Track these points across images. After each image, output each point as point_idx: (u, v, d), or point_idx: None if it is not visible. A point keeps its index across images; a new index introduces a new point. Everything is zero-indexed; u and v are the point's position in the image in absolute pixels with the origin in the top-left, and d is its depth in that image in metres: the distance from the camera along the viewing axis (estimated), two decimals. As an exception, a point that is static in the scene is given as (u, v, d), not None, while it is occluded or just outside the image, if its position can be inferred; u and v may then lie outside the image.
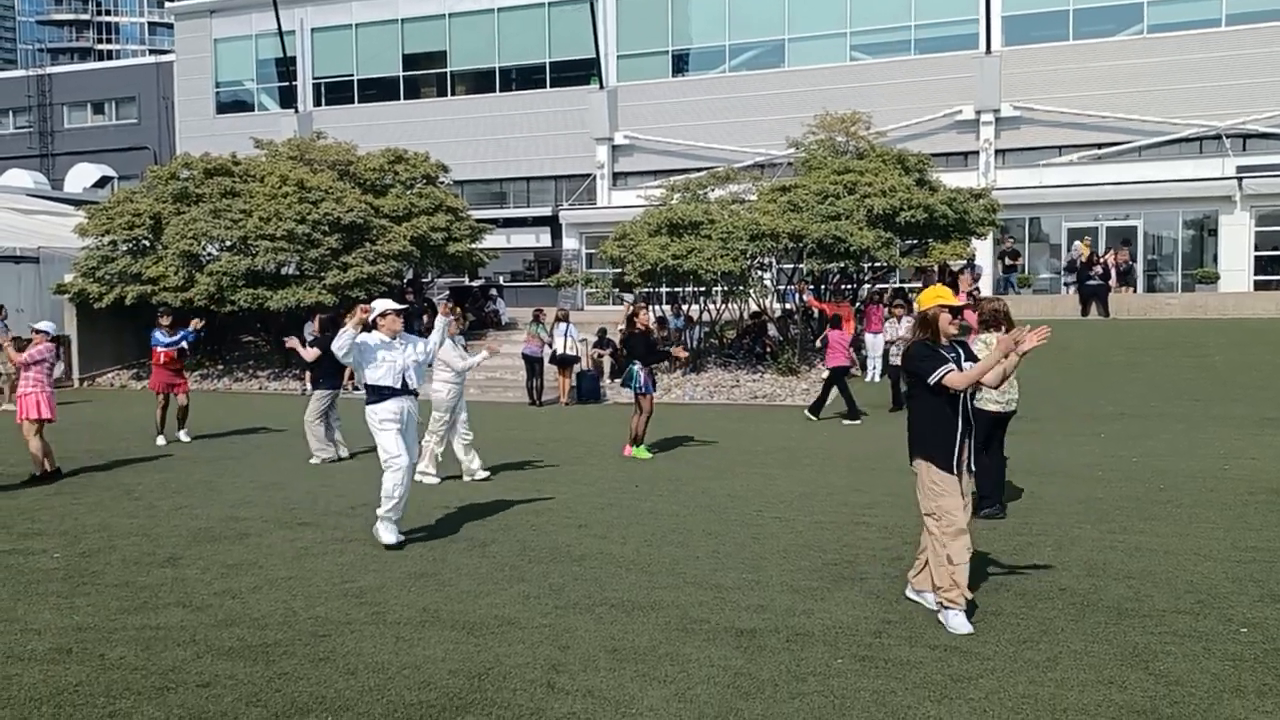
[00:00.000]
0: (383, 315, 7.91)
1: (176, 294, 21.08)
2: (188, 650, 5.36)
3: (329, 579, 6.74)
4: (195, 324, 14.40)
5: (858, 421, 15.78)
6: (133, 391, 23.07)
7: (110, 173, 40.87)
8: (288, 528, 8.38)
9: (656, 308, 23.10)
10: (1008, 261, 28.23)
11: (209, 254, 22.14)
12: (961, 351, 5.87)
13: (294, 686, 4.85)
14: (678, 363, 19.33)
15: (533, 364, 19.62)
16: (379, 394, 7.82)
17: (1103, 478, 10.60)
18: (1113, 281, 26.01)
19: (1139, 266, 28.77)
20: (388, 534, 7.65)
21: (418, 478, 10.07)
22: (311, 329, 21.22)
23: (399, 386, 7.84)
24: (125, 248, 22.74)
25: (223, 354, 22.85)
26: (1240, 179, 27.25)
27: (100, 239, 22.65)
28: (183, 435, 14.04)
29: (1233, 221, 27.64)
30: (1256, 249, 27.78)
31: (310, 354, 12.55)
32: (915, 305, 9.01)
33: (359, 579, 6.73)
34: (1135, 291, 27.28)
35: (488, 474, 10.76)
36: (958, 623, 5.60)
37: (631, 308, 14.74)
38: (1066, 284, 27.54)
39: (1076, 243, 27.27)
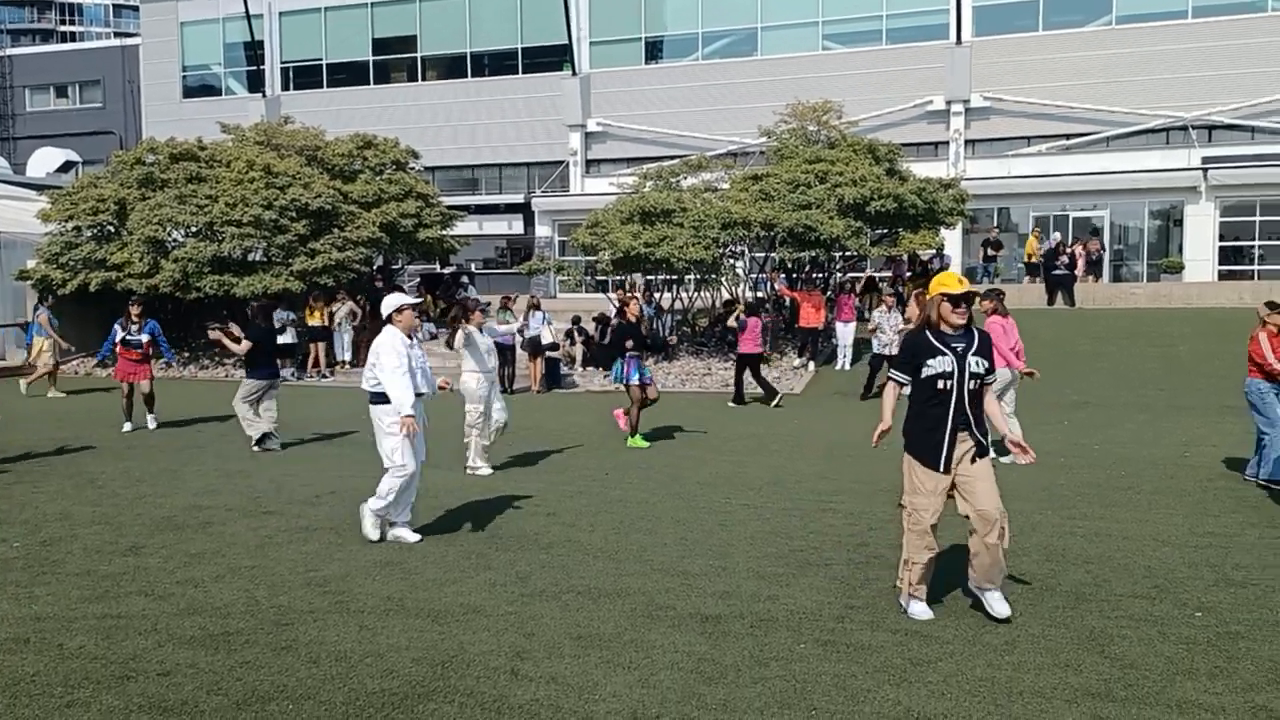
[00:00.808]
0: (399, 311, 7.40)
1: (141, 280, 20.83)
2: (148, 639, 5.32)
3: (293, 568, 6.70)
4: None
5: (777, 403, 16.47)
6: (97, 379, 22.79)
7: (74, 157, 40.25)
8: (251, 516, 8.32)
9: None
10: (989, 251, 28.41)
11: (174, 240, 21.87)
12: (975, 339, 5.53)
13: (255, 675, 4.83)
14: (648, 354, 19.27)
15: (504, 352, 19.54)
16: (388, 398, 7.25)
17: (1065, 464, 10.73)
18: (1079, 270, 26.28)
19: (1105, 256, 29.08)
20: (370, 527, 7.36)
21: (469, 471, 10.17)
22: (280, 317, 21.10)
23: (422, 389, 7.43)
24: (89, 234, 22.43)
25: (188, 341, 22.59)
26: (1205, 170, 27.59)
27: (64, 225, 22.33)
28: (150, 421, 13.91)
29: (1198, 212, 28.00)
30: (1221, 239, 28.16)
31: (242, 348, 12.21)
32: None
33: (323, 568, 6.70)
34: (1099, 281, 27.58)
35: (491, 471, 10.38)
36: (916, 610, 5.65)
37: (623, 296, 14.81)
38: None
39: (1055, 234, 27.51)
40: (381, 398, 7.28)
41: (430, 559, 6.93)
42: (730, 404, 16.81)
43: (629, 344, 12.38)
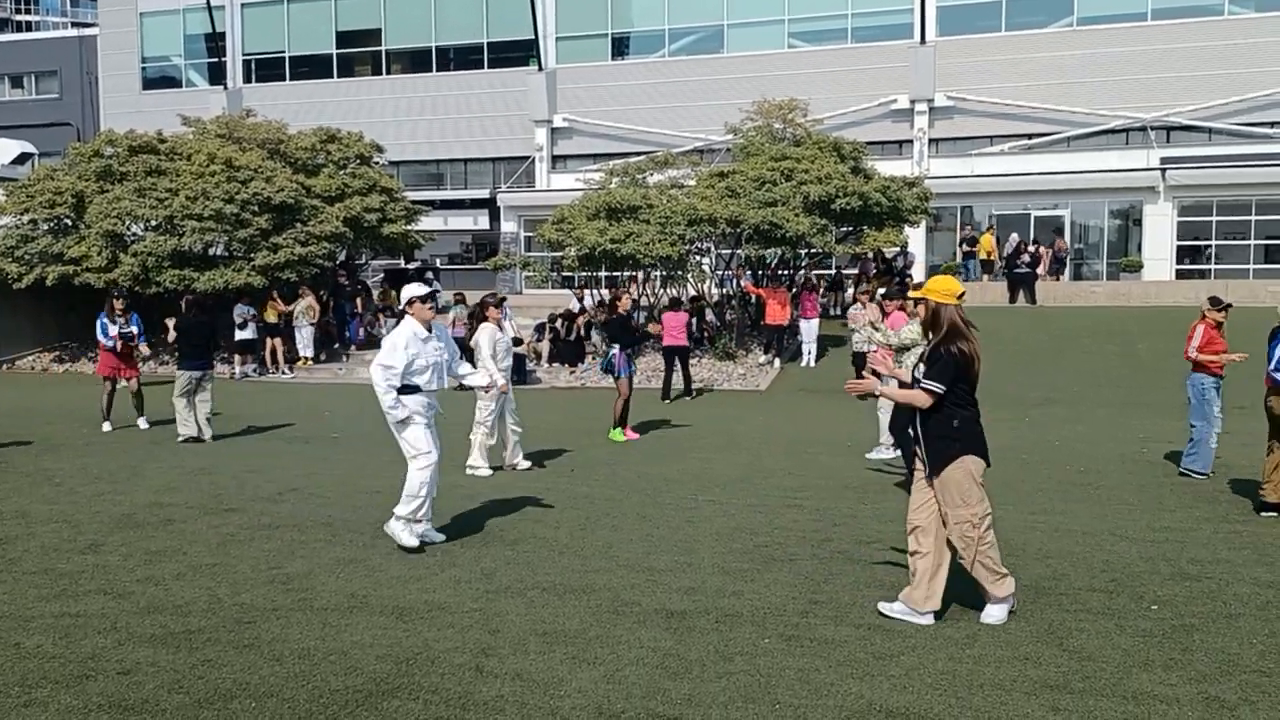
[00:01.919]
0: (410, 303, 7.08)
1: (99, 275, 20.52)
2: (108, 638, 5.25)
3: (255, 565, 6.64)
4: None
5: (688, 398, 17.13)
6: (54, 375, 22.42)
7: (30, 149, 39.48)
8: (213, 514, 8.23)
9: (593, 292, 23.10)
10: (966, 248, 28.67)
11: (133, 234, 21.55)
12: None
13: (217, 673, 4.78)
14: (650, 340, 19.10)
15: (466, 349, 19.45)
16: (410, 388, 7.02)
17: (1027, 460, 10.87)
18: (1042, 270, 26.62)
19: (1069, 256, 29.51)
20: (406, 536, 6.95)
21: (468, 471, 9.88)
22: (241, 311, 20.87)
23: (433, 385, 7.13)
24: (46, 227, 22.05)
25: (148, 336, 22.22)
26: (1164, 170, 28.03)
27: (19, 217, 21.93)
28: (141, 423, 13.48)
29: (1156, 212, 28.44)
30: (1179, 238, 28.62)
31: (169, 335, 13.00)
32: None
33: (286, 565, 6.64)
34: (1060, 280, 27.94)
35: (529, 464, 10.33)
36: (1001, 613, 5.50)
37: (613, 291, 14.79)
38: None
39: (1014, 235, 27.80)
40: (403, 390, 6.98)
41: (394, 556, 6.89)
42: (664, 400, 16.87)
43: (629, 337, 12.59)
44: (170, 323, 13.04)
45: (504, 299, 10.82)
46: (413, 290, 7.17)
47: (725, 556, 6.91)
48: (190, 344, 12.68)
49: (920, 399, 5.51)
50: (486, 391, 8.18)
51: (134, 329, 13.55)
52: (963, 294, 5.64)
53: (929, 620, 5.44)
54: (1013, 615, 5.56)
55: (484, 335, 10.10)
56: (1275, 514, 8.05)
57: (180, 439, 12.27)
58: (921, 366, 5.58)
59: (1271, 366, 7.99)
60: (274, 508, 8.45)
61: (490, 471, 9.94)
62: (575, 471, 10.28)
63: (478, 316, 10.21)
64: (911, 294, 6.07)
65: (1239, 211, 28.09)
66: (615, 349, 12.38)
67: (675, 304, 18.07)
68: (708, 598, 5.96)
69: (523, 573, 6.48)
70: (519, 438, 10.35)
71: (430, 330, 7.08)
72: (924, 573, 5.48)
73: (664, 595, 6.00)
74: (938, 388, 5.47)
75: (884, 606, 5.60)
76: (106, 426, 13.31)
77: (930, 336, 5.61)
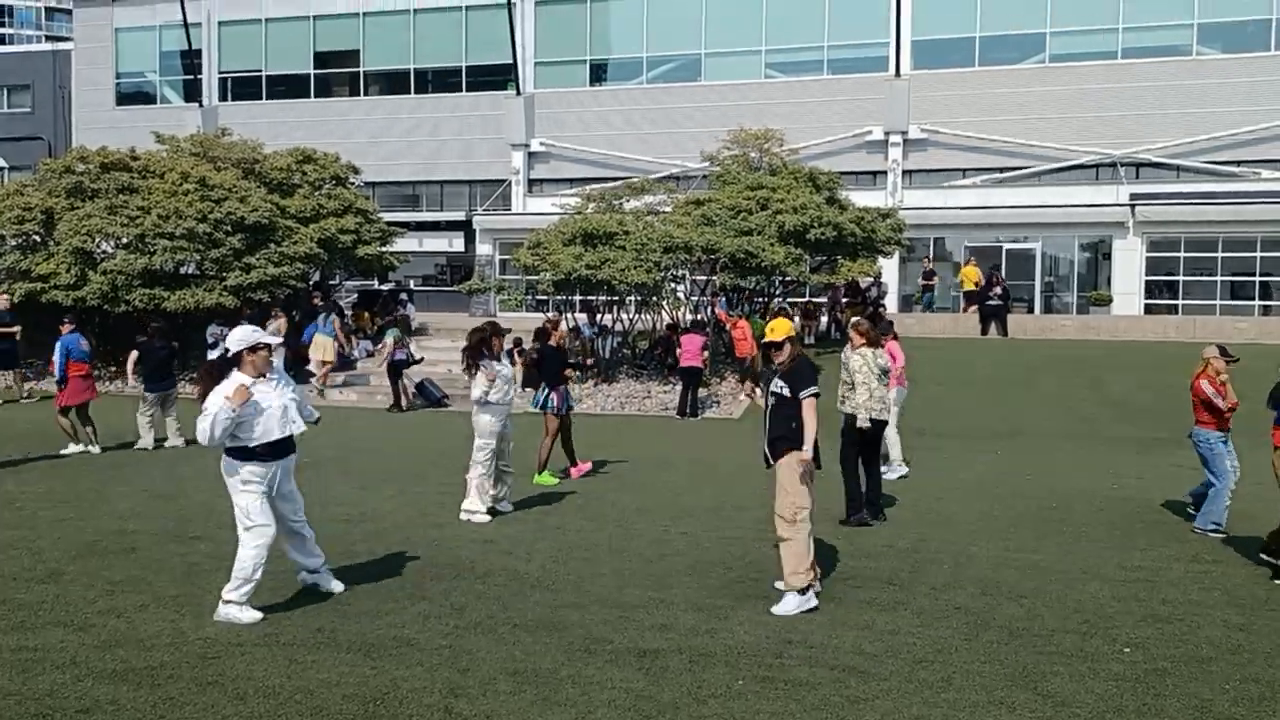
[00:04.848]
0: (253, 350, 6.22)
1: (68, 292, 20.23)
2: (67, 673, 5.13)
3: (220, 597, 6.51)
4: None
5: (681, 418, 17.99)
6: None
7: None
8: (179, 541, 8.09)
9: (571, 316, 23.03)
10: (923, 281, 28.96)
11: (104, 252, 21.29)
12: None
13: (179, 712, 4.67)
14: (578, 374, 19.24)
15: (398, 370, 19.31)
16: (245, 452, 6.16)
17: (999, 494, 10.91)
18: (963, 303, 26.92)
19: (1036, 287, 29.82)
20: (243, 614, 6.06)
21: (464, 516, 9.11)
22: (214, 332, 20.61)
23: (276, 439, 6.22)
24: (14, 243, 21.74)
25: (116, 356, 21.94)
26: (1133, 206, 28.41)
27: (-14, 232, 21.62)
28: (94, 448, 13.23)
29: (1126, 247, 28.81)
30: (1148, 273, 28.99)
31: (130, 361, 14.20)
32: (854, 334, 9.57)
33: (251, 597, 6.51)
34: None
35: (512, 508, 9.69)
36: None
37: (550, 320, 14.59)
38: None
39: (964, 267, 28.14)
40: (231, 449, 6.16)
41: (362, 588, 6.78)
42: (679, 417, 18.17)
43: (567, 370, 12.01)
44: (134, 356, 14.06)
45: (503, 330, 10.08)
46: (258, 337, 6.32)
47: (698, 592, 6.86)
48: (152, 367, 13.68)
49: (811, 410, 6.58)
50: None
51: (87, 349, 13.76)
52: (794, 328, 7.14)
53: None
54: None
55: (483, 371, 9.56)
56: None
57: (137, 447, 13.33)
58: (782, 384, 6.68)
59: None
60: (241, 536, 8.30)
61: (488, 517, 9.17)
62: (548, 503, 10.19)
63: (478, 347, 9.54)
64: (771, 337, 6.85)
65: (1207, 248, 28.51)
66: (546, 389, 11.51)
67: (695, 326, 19.14)
68: (681, 636, 5.90)
69: (493, 608, 6.39)
70: (510, 479, 9.84)
71: (266, 376, 6.26)
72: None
73: (636, 633, 5.94)
74: (816, 390, 6.62)
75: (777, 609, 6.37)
76: (74, 448, 13.04)
77: (788, 362, 6.74)
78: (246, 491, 6.18)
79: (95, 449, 13.06)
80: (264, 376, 6.24)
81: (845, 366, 9.55)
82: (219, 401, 5.98)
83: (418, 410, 19.22)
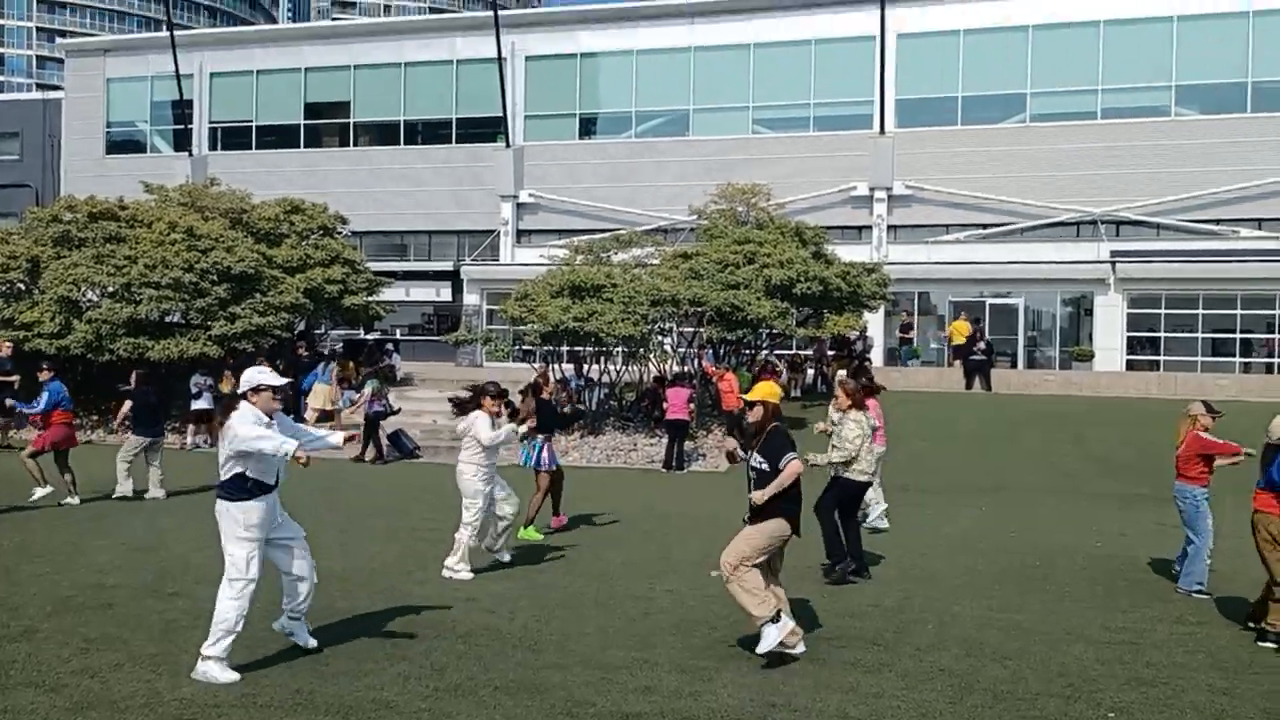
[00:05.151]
0: (256, 390, 6.30)
1: (51, 341, 20.15)
2: (37, 737, 5.03)
3: (197, 656, 6.41)
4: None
5: (667, 471, 18.04)
6: (-2, 440, 21.83)
7: (-13, 209, 39.06)
8: (157, 597, 7.99)
9: (558, 367, 23.04)
10: (901, 334, 29.16)
11: (89, 300, 21.24)
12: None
13: (152, 778, 4.58)
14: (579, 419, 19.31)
15: (375, 422, 19.21)
16: (248, 490, 6.20)
17: (983, 550, 10.89)
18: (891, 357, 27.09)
19: (1019, 342, 30.03)
20: (222, 673, 6.00)
21: (446, 574, 8.99)
22: (198, 381, 20.54)
23: (274, 482, 6.36)
24: (-2, 290, 21.70)
25: (99, 403, 21.81)
26: (1114, 263, 28.75)
27: (-30, 280, 21.56)
28: (47, 493, 13.15)
29: (1107, 303, 29.10)
30: (1129, 330, 29.25)
31: (123, 409, 13.93)
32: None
33: (230, 656, 6.43)
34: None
35: (510, 558, 9.62)
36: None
37: (537, 377, 14.49)
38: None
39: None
40: (233, 491, 6.20)
41: (342, 647, 6.70)
42: (665, 470, 18.22)
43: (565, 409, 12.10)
44: (126, 405, 14.01)
45: (502, 390, 10.03)
46: (261, 378, 6.37)
47: (683, 653, 6.81)
48: (145, 413, 13.73)
49: (796, 468, 6.69)
50: (343, 446, 7.23)
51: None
52: (780, 395, 7.20)
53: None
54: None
55: (482, 424, 9.43)
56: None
57: (116, 496, 13.18)
58: (761, 460, 6.79)
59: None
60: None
61: (471, 575, 9.02)
62: (532, 556, 10.12)
63: (472, 404, 9.53)
64: (746, 397, 7.13)
65: (1188, 305, 28.82)
66: (540, 439, 11.50)
67: (679, 379, 19.22)
68: (664, 699, 5.85)
69: (474, 669, 6.32)
70: (508, 527, 9.66)
71: (272, 419, 6.35)
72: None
73: (619, 696, 5.88)
74: (800, 459, 6.79)
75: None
76: (43, 490, 12.78)
77: (760, 431, 6.88)
78: (245, 540, 6.18)
79: (75, 500, 12.85)
80: (270, 418, 6.32)
81: (837, 432, 9.57)
82: (254, 428, 6.16)
83: (391, 462, 19.04)
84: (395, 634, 7.06)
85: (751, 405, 6.96)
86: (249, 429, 6.14)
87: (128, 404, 14.08)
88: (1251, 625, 7.58)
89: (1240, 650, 7.19)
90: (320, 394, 21.06)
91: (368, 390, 19.57)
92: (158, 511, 12.43)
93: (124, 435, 14.71)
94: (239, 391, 6.40)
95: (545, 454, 11.53)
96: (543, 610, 7.87)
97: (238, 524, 6.18)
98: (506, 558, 9.64)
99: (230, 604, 6.12)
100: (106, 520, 11.72)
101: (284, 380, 6.60)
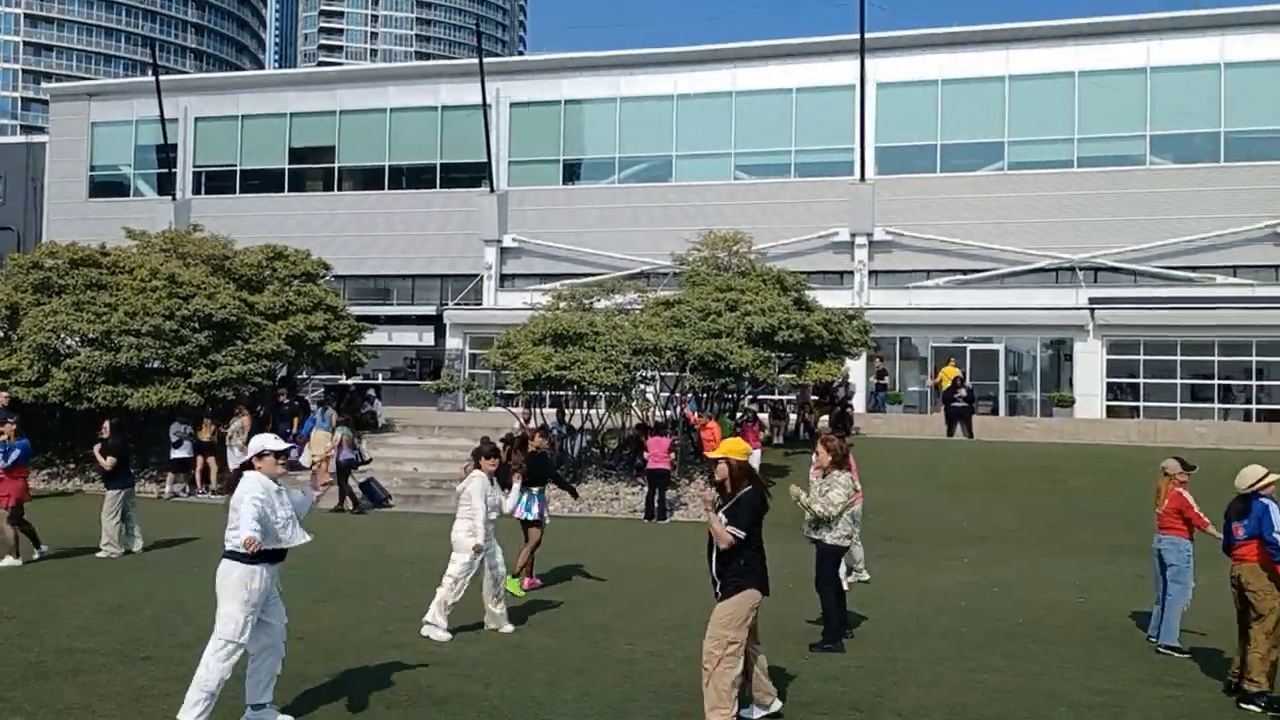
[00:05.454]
0: (260, 456, 6.50)
1: (29, 389, 19.98)
2: (-1, 819, 4.91)
3: (169, 727, 6.31)
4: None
5: (649, 521, 17.93)
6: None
7: (-34, 253, 38.84)
8: (129, 662, 7.85)
9: (539, 412, 22.98)
10: (876, 380, 29.29)
11: (68, 347, 21.09)
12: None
13: None
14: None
15: (346, 470, 19.07)
16: (254, 555, 6.27)
17: (966, 607, 10.85)
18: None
19: (1000, 387, 30.17)
20: None
21: (424, 631, 8.92)
22: (178, 430, 20.37)
23: (276, 549, 6.46)
24: (-25, 337, 21.52)
25: (76, 452, 21.59)
26: (1092, 309, 29.01)
27: (-52, 327, 21.39)
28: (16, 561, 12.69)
29: (1086, 349, 29.32)
30: (1109, 375, 29.45)
31: (108, 463, 13.49)
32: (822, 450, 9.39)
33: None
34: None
35: (513, 628, 9.35)
36: None
37: (524, 430, 14.46)
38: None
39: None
40: (245, 558, 6.29)
41: (316, 714, 6.59)
42: (647, 521, 18.03)
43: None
44: (98, 449, 13.69)
45: (495, 449, 9.96)
46: (266, 443, 6.59)
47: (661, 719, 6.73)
48: (119, 463, 13.58)
49: (724, 539, 6.50)
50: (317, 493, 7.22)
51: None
52: (749, 452, 7.00)
53: None
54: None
55: (475, 485, 9.28)
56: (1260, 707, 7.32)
57: (102, 555, 12.87)
58: (724, 519, 6.57)
59: (1277, 528, 7.40)
60: (193, 656, 7.93)
61: (449, 635, 8.86)
62: (512, 614, 10.00)
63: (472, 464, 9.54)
64: (708, 453, 7.22)
65: (1166, 351, 29.06)
66: (533, 491, 11.40)
67: (660, 429, 19.10)
68: (642, 772, 5.76)
69: (450, 740, 6.22)
70: (501, 596, 9.43)
71: (278, 484, 6.53)
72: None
73: (597, 769, 5.79)
74: (740, 533, 6.51)
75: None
76: (33, 554, 12.59)
77: (729, 489, 6.68)
78: (245, 603, 6.26)
79: (18, 561, 12.21)
80: (276, 483, 6.50)
81: (824, 495, 9.11)
82: (250, 498, 6.27)
83: (366, 512, 18.83)
84: (369, 703, 6.95)
85: (716, 462, 6.89)
86: (246, 506, 6.28)
87: (111, 459, 13.50)
88: (1234, 683, 7.56)
89: (1223, 714, 7.17)
90: (320, 441, 20.93)
91: (338, 436, 19.45)
92: (129, 568, 12.23)
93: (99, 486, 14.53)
94: (246, 458, 6.62)
95: (538, 508, 11.48)
96: (519, 675, 7.77)
97: (242, 586, 6.28)
98: (509, 628, 9.30)
99: (215, 666, 6.16)
100: (80, 577, 11.53)
101: (288, 445, 6.84)
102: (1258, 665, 7.39)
